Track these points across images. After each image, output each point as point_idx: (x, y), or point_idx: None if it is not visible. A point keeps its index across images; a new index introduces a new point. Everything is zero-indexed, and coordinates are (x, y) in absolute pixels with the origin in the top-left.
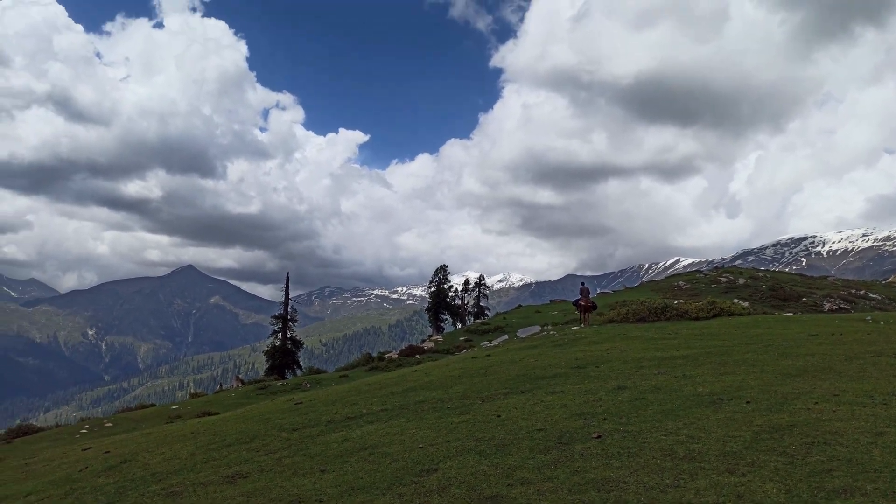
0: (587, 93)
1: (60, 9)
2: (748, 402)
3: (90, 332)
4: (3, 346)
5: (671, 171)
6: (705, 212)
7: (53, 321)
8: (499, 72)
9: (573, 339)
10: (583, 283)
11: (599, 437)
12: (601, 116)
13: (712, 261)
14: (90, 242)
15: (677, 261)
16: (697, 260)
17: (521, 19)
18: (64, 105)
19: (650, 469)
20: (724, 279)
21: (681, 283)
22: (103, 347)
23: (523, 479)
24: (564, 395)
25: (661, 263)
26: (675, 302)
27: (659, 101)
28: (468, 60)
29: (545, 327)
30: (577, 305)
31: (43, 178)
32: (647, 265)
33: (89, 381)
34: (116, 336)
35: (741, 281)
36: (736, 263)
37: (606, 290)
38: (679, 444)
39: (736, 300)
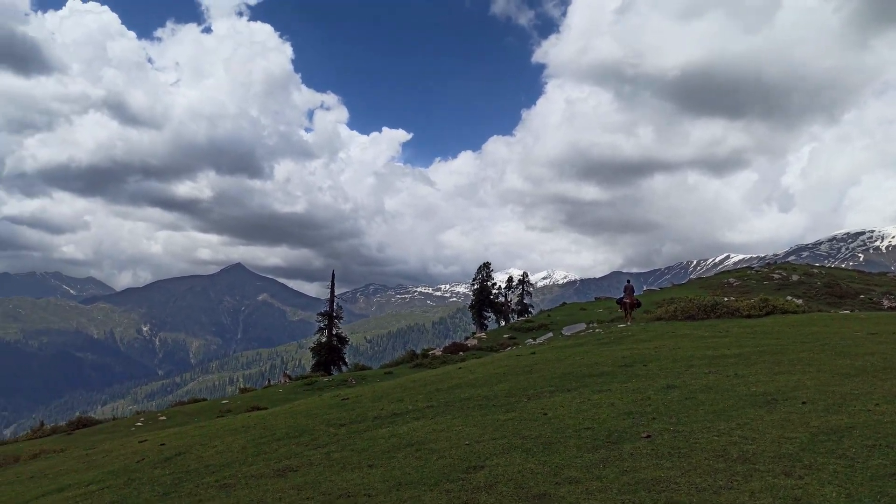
0: (632, 86)
1: (114, 16)
2: (804, 403)
3: (144, 329)
4: (63, 342)
5: (720, 165)
6: (756, 206)
7: (110, 318)
8: (541, 67)
9: (620, 337)
10: (628, 281)
11: (649, 436)
12: (647, 110)
13: (764, 257)
14: (144, 242)
15: (727, 257)
16: (748, 256)
17: (564, 13)
18: (118, 109)
19: (702, 470)
20: (776, 276)
21: (731, 279)
22: (157, 343)
23: (571, 478)
24: (612, 394)
25: (710, 260)
26: (725, 299)
27: (707, 93)
28: (510, 56)
29: (591, 325)
30: (621, 303)
31: (99, 180)
32: (695, 262)
33: (144, 376)
34: (169, 332)
35: (794, 277)
36: (789, 259)
37: (653, 288)
38: (732, 445)
39: (789, 297)
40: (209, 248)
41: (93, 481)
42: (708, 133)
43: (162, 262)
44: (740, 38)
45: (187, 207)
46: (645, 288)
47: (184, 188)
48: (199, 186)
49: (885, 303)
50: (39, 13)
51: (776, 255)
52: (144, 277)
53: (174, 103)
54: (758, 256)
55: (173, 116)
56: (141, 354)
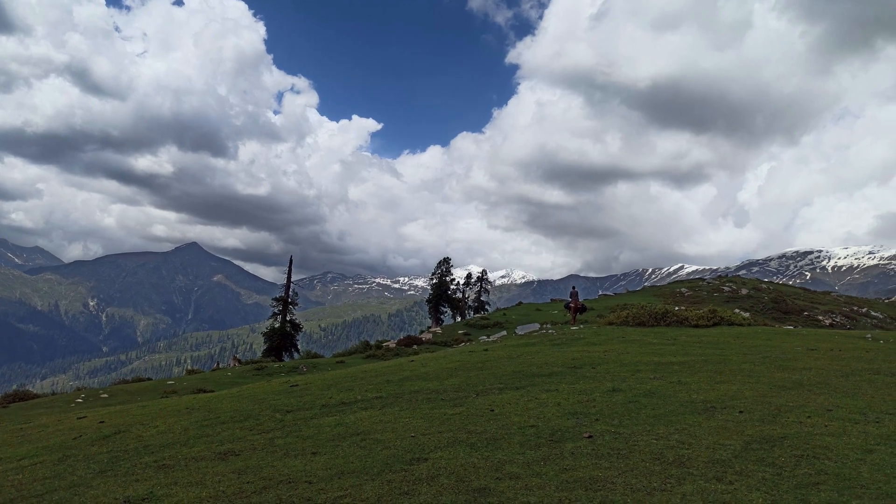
0: (603, 93)
1: None
2: (741, 412)
3: (91, 303)
4: (4, 312)
5: (682, 178)
6: (713, 220)
7: (56, 290)
8: (515, 68)
9: (571, 339)
10: (573, 287)
11: (591, 437)
12: (615, 118)
13: (716, 269)
14: (97, 214)
15: (681, 267)
16: (701, 268)
17: (541, 16)
18: (81, 76)
19: (638, 471)
20: (726, 288)
21: (683, 289)
22: (103, 319)
23: (512, 474)
24: (559, 394)
25: (665, 269)
26: (676, 308)
27: (675, 106)
28: (485, 54)
29: (544, 325)
30: (568, 307)
31: (55, 147)
32: (650, 270)
33: (87, 352)
34: (117, 308)
35: (744, 291)
36: (740, 273)
37: (608, 293)
38: (669, 449)
39: (737, 310)
40: (165, 225)
41: (26, 455)
42: (673, 145)
43: (115, 236)
44: (711, 53)
45: (145, 182)
46: (600, 293)
47: (143, 162)
48: (160, 161)
49: (827, 321)
50: None
51: (728, 268)
52: (95, 251)
53: (140, 74)
54: (710, 268)
55: (138, 88)
56: (86, 329)
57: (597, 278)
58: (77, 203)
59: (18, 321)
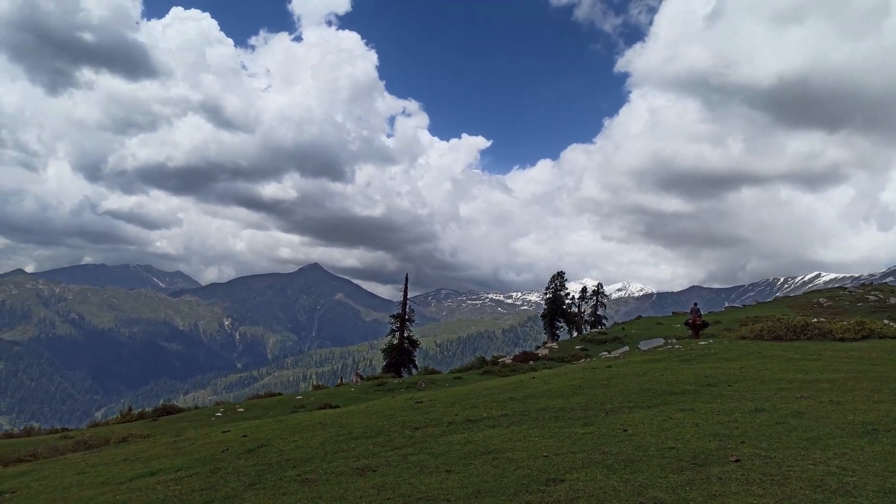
0: (721, 95)
1: (213, 23)
2: None
3: (226, 322)
4: (151, 332)
5: (815, 179)
6: (853, 223)
7: (195, 311)
8: (625, 76)
9: (702, 355)
10: (695, 303)
11: (738, 460)
12: (737, 120)
13: (859, 277)
14: (230, 239)
15: (817, 276)
16: (841, 276)
17: (651, 21)
18: (214, 113)
19: (798, 500)
20: (872, 297)
21: (821, 299)
22: (237, 337)
23: (656, 499)
24: (695, 414)
25: (799, 278)
26: (815, 320)
27: (804, 103)
28: (593, 63)
29: (669, 340)
30: (689, 324)
31: (192, 179)
32: (782, 279)
33: (224, 368)
34: (249, 327)
35: (893, 300)
36: (887, 281)
37: (736, 304)
38: (830, 476)
39: (887, 321)
40: (290, 248)
41: (181, 467)
42: (804, 145)
43: (245, 259)
44: (843, 45)
45: (272, 208)
46: (727, 304)
47: (269, 189)
48: (284, 188)
49: None
50: (145, 20)
51: (872, 275)
52: (228, 273)
53: (264, 108)
54: (852, 276)
55: (263, 121)
56: (222, 347)
57: (722, 289)
58: (212, 230)
59: (163, 340)
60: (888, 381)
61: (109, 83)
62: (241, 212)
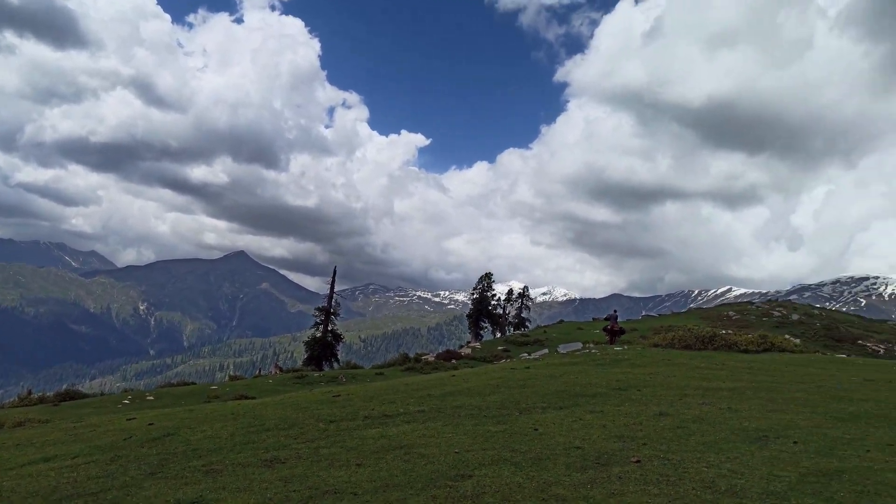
0: (654, 111)
1: None
2: (795, 443)
3: (141, 307)
4: (59, 313)
5: (734, 199)
6: (765, 243)
7: (108, 293)
8: (564, 85)
9: (615, 360)
10: (614, 310)
11: (639, 461)
12: (667, 137)
13: (766, 293)
14: (152, 221)
15: (729, 290)
16: (750, 291)
17: (592, 34)
18: (145, 89)
19: (689, 500)
20: (776, 313)
21: (731, 312)
22: (152, 323)
23: (558, 496)
24: (604, 416)
25: (712, 291)
26: (724, 332)
27: (730, 125)
28: (535, 71)
29: (587, 345)
30: (606, 330)
31: (116, 156)
32: (696, 291)
33: (136, 354)
34: (166, 312)
35: (795, 317)
36: (791, 298)
37: (652, 314)
38: (721, 478)
39: (788, 336)
40: (216, 233)
41: (78, 454)
42: (727, 166)
43: (167, 242)
44: (769, 72)
45: (199, 191)
46: (644, 313)
47: (199, 172)
48: (214, 171)
49: (881, 350)
50: None
51: (778, 292)
52: (147, 256)
53: (199, 88)
54: (760, 292)
55: (197, 101)
56: (135, 332)
57: (641, 298)
58: (134, 210)
59: (72, 322)
60: (782, 391)
61: (33, 49)
62: (167, 193)
